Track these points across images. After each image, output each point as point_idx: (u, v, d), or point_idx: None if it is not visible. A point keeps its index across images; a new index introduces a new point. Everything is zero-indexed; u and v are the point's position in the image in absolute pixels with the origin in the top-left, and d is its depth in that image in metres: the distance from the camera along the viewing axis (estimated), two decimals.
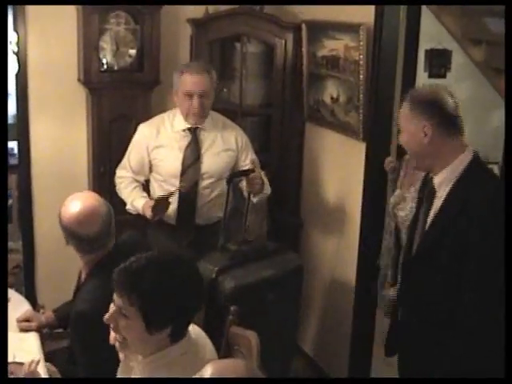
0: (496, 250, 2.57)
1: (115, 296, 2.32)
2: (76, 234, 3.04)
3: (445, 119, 2.73)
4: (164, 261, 2.40)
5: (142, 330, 2.29)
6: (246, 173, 3.88)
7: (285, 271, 3.91)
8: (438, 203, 2.81)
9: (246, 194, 3.92)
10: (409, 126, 2.79)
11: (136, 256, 2.39)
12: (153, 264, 2.35)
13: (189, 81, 3.87)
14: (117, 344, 2.40)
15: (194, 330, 2.48)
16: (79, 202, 3.07)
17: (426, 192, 2.92)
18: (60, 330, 3.54)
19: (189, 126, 3.96)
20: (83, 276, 3.21)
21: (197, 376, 1.93)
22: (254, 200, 3.93)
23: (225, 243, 3.89)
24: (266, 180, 3.95)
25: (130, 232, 3.37)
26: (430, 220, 2.85)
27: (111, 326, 2.35)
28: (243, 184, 3.93)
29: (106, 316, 2.34)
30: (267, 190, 4.01)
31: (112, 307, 2.34)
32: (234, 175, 3.91)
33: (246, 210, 3.91)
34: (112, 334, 2.45)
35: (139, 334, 2.30)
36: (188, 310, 2.38)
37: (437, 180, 2.81)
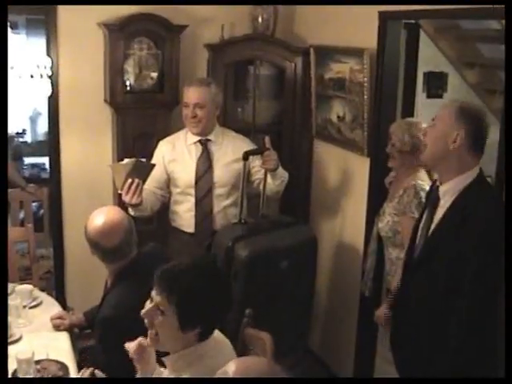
0: (490, 262, 2.56)
1: (154, 293, 2.34)
2: (100, 245, 3.07)
3: (477, 138, 2.69)
4: (202, 266, 2.43)
5: (176, 328, 2.30)
6: (260, 151, 3.84)
7: (298, 241, 3.89)
8: (440, 212, 2.78)
9: (260, 174, 3.92)
10: (444, 127, 2.72)
11: (178, 261, 2.42)
12: (193, 268, 2.37)
13: (186, 93, 3.93)
14: (148, 339, 2.41)
15: (215, 331, 2.49)
16: (102, 216, 3.10)
17: (430, 200, 2.89)
18: (88, 331, 3.54)
19: (198, 139, 3.97)
20: (109, 284, 3.24)
21: (220, 372, 1.92)
22: (274, 185, 3.90)
23: (242, 217, 3.88)
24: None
25: (153, 244, 3.36)
26: (432, 227, 2.81)
27: (146, 321, 2.36)
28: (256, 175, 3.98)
29: (143, 311, 2.35)
30: (284, 173, 3.96)
31: (149, 304, 2.36)
32: (249, 152, 3.86)
33: (264, 186, 3.88)
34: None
35: (172, 330, 2.32)
36: (218, 312, 2.39)
37: (443, 189, 2.78)
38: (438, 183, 2.85)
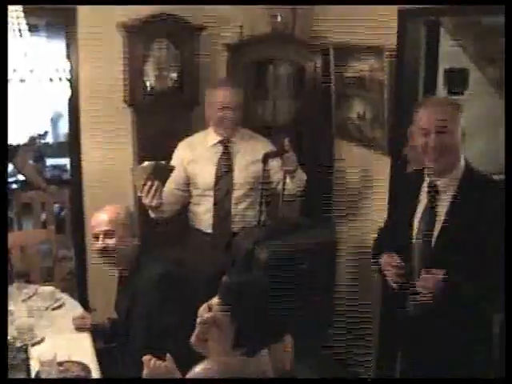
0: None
1: (217, 305, 2.30)
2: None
3: None
4: (267, 287, 2.41)
5: (228, 343, 2.26)
6: (279, 153, 3.83)
7: (318, 243, 3.89)
8: (444, 203, 2.86)
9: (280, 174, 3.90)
10: (455, 128, 2.81)
11: (245, 276, 2.51)
12: (263, 291, 2.36)
13: (220, 94, 3.90)
14: (194, 339, 2.35)
15: None
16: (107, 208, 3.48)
17: (430, 194, 2.92)
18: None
19: (220, 139, 3.96)
20: (130, 265, 3.40)
21: None
22: (293, 186, 3.90)
23: (262, 219, 3.90)
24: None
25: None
26: (442, 218, 2.86)
27: (200, 326, 2.32)
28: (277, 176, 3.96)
29: (200, 320, 2.31)
30: (302, 174, 3.96)
31: (206, 312, 2.32)
32: (269, 155, 3.84)
33: (282, 188, 3.86)
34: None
35: (223, 344, 2.27)
36: (273, 337, 2.36)
37: (443, 181, 2.87)
38: (432, 178, 2.92)
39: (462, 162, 2.87)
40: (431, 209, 2.90)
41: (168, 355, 2.53)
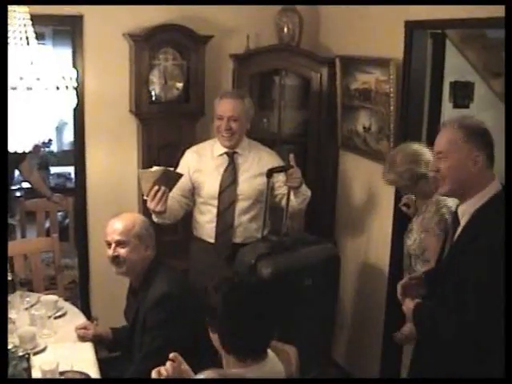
0: (497, 281, 2.45)
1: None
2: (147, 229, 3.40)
3: (491, 152, 2.63)
4: (245, 288, 2.38)
5: (219, 346, 2.29)
6: (284, 168, 3.80)
7: (321, 259, 3.88)
8: (459, 231, 2.71)
9: (285, 189, 3.85)
10: (457, 154, 2.61)
11: (221, 280, 2.41)
12: (235, 291, 2.33)
13: (221, 105, 3.89)
14: None
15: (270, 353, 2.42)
16: (123, 215, 3.46)
17: (452, 220, 2.82)
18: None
19: (226, 151, 3.94)
20: (137, 285, 3.40)
21: None
22: (297, 202, 3.85)
23: (266, 234, 3.88)
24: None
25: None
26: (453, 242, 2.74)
27: None
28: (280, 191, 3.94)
29: None
30: (307, 191, 3.92)
31: None
32: (274, 170, 3.81)
33: (287, 204, 3.83)
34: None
35: (218, 347, 2.30)
36: (264, 338, 2.34)
37: (462, 208, 2.70)
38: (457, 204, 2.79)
39: (493, 188, 2.63)
40: (452, 237, 2.76)
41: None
